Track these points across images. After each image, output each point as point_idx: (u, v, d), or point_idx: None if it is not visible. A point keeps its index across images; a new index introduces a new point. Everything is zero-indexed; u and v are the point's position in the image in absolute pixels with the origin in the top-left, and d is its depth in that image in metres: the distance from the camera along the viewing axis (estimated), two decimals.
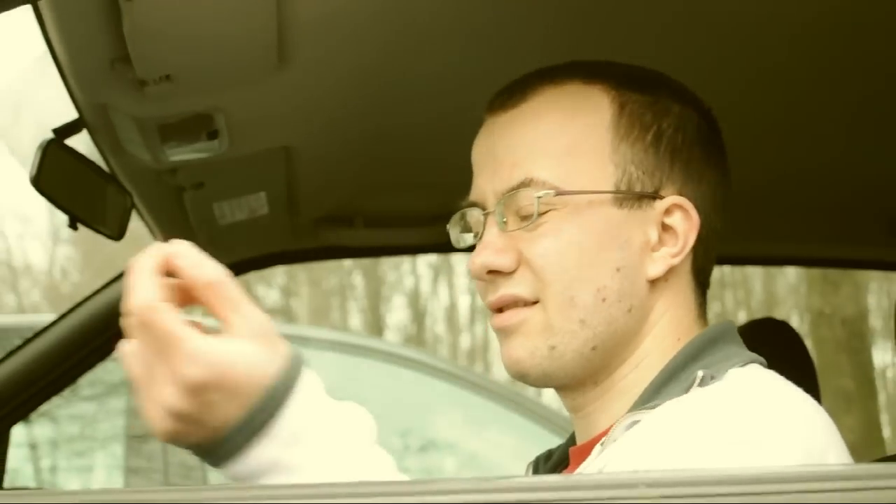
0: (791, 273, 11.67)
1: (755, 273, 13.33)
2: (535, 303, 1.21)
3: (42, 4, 1.39)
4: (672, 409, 1.13)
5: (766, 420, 1.10)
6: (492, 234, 1.23)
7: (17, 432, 2.95)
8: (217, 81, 1.61)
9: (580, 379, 1.23)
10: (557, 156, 1.22)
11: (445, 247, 2.49)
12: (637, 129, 1.24)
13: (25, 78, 1.80)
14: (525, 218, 1.22)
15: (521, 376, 1.24)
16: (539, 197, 1.20)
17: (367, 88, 1.68)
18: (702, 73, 1.31)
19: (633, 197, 1.23)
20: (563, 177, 1.21)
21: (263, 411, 0.96)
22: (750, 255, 2.43)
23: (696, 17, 1.50)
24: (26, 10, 1.37)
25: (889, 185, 1.89)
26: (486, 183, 1.25)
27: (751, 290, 14.59)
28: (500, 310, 1.23)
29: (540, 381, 1.25)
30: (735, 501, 0.87)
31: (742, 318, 13.27)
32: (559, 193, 1.20)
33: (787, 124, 1.74)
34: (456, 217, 1.31)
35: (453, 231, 1.33)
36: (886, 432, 9.18)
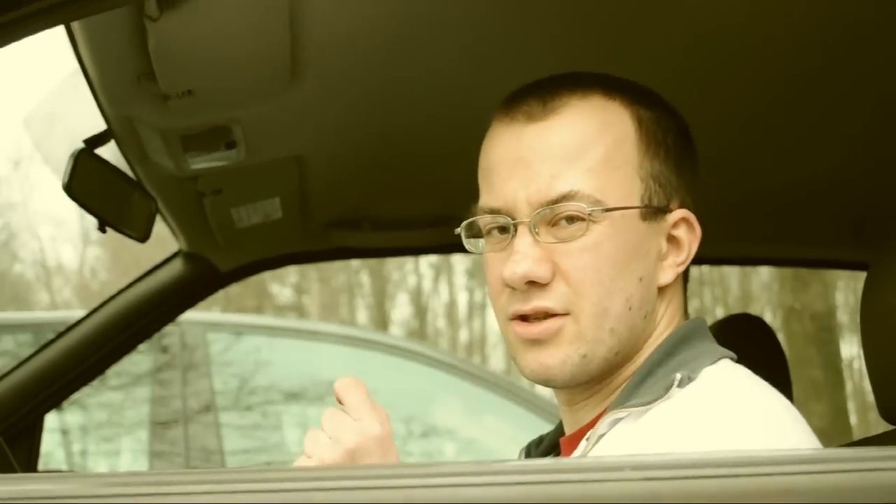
0: (764, 272, 11.70)
1: (731, 272, 13.37)
2: (566, 314, 1.16)
3: (74, 25, 1.39)
4: (658, 416, 1.12)
5: (740, 421, 1.10)
6: (526, 243, 1.17)
7: (50, 419, 2.95)
8: (235, 96, 1.61)
9: (596, 379, 1.20)
10: (596, 169, 1.17)
11: (445, 248, 2.51)
12: (653, 144, 1.22)
13: (58, 92, 1.80)
14: (562, 228, 1.17)
15: (546, 381, 1.20)
16: (591, 212, 1.15)
17: (373, 102, 1.67)
18: (688, 89, 1.30)
19: (653, 211, 1.20)
20: (603, 190, 1.17)
21: None
22: (727, 256, 2.43)
23: (677, 33, 1.49)
24: (59, 30, 1.37)
25: (853, 193, 1.89)
26: (518, 191, 1.18)
27: (727, 287, 14.63)
28: (524, 318, 1.18)
29: (562, 385, 1.21)
30: (712, 483, 0.86)
31: (720, 313, 13.30)
32: (606, 210, 1.16)
33: (763, 138, 1.73)
34: (467, 223, 1.24)
35: (466, 235, 1.25)
36: (853, 419, 9.20)
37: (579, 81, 1.22)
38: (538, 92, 1.21)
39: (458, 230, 1.25)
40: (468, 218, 1.24)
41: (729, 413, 1.11)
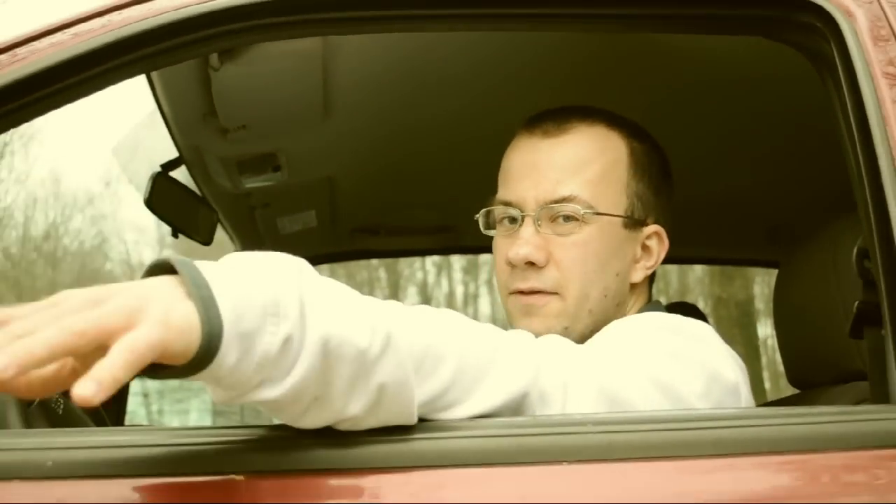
0: (698, 269, 11.68)
1: (672, 269, 13.35)
2: (554, 293, 1.16)
3: (154, 74, 1.39)
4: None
5: (691, 324, 1.10)
6: (529, 231, 1.16)
7: (134, 384, 2.94)
8: (279, 129, 1.61)
9: None
10: (593, 181, 1.17)
11: (446, 250, 2.50)
12: (640, 169, 1.21)
13: (140, 127, 1.79)
14: (559, 224, 1.16)
15: None
16: (584, 214, 1.15)
17: (389, 134, 1.67)
18: (657, 124, 1.30)
19: (633, 222, 1.20)
20: (596, 198, 1.17)
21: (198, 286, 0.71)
22: (669, 255, 2.42)
23: (640, 90, 1.49)
24: (141, 78, 1.37)
25: (766, 206, 1.89)
26: (529, 190, 1.17)
27: (669, 281, 14.61)
28: (521, 292, 1.17)
29: None
30: (657, 435, 0.85)
31: (663, 301, 13.23)
32: (597, 213, 1.16)
33: (697, 166, 1.73)
34: (485, 211, 1.22)
35: (483, 222, 1.23)
36: (767, 386, 9.18)
37: (588, 112, 1.22)
38: (555, 115, 1.21)
39: (476, 216, 1.23)
40: (468, 221, 1.24)
41: (677, 318, 1.12)
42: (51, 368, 0.70)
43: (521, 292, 1.17)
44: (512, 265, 1.16)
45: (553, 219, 1.16)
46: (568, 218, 1.16)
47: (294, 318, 0.73)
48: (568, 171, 1.17)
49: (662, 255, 1.23)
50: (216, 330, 0.69)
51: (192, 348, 0.69)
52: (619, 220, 1.18)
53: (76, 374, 0.69)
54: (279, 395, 0.74)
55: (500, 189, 1.21)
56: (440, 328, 0.86)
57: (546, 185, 1.16)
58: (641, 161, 1.21)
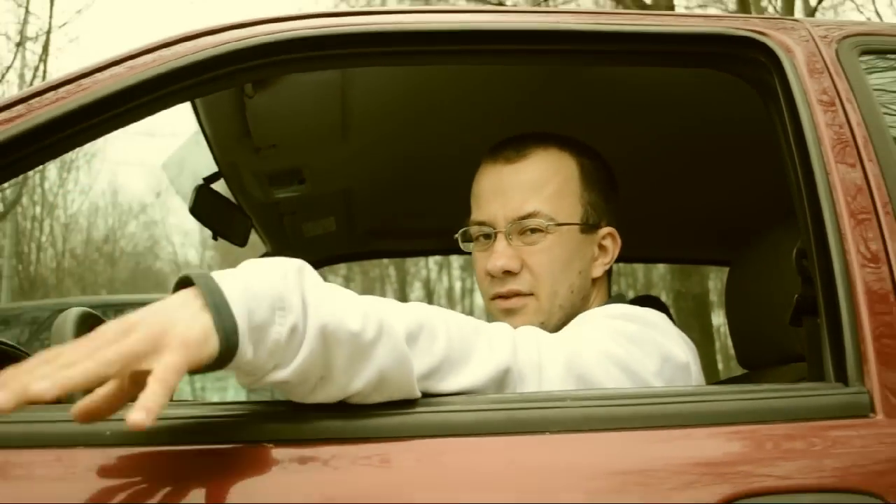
0: (661, 267, 11.68)
1: (639, 267, 13.34)
2: (530, 294, 1.16)
3: (197, 101, 1.39)
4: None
5: (646, 312, 1.10)
6: (502, 245, 1.16)
7: None
8: (304, 148, 1.60)
9: None
10: (552, 197, 1.17)
11: (447, 251, 2.50)
12: (590, 181, 1.21)
13: (185, 146, 1.79)
14: (527, 236, 1.16)
15: None
16: (547, 225, 1.15)
17: (398, 151, 1.67)
18: (612, 145, 1.30)
19: (589, 228, 1.19)
20: (555, 211, 1.16)
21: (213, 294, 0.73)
22: (636, 256, 2.42)
23: (605, 117, 1.49)
24: (186, 104, 1.37)
25: (718, 214, 1.88)
26: (498, 210, 1.17)
27: (637, 277, 14.61)
28: (503, 297, 1.16)
29: None
30: (626, 409, 0.86)
31: (631, 294, 13.22)
32: (557, 224, 1.16)
33: (660, 181, 1.73)
34: (463, 231, 1.23)
35: (461, 239, 1.23)
36: (720, 366, 9.16)
37: (542, 138, 1.22)
38: (513, 143, 1.21)
39: (455, 236, 1.24)
40: (462, 229, 1.24)
41: (636, 309, 1.11)
42: (108, 392, 0.73)
43: (502, 296, 1.16)
44: (491, 275, 1.16)
45: (521, 232, 1.16)
46: (534, 230, 1.15)
47: (297, 310, 0.76)
48: (530, 191, 1.16)
49: (616, 252, 1.22)
50: (230, 329, 0.72)
51: (213, 351, 0.72)
52: (577, 227, 1.18)
53: (129, 391, 0.73)
54: (289, 376, 0.76)
55: (474, 211, 1.21)
56: (429, 315, 0.88)
57: (513, 205, 1.16)
58: (591, 175, 1.21)
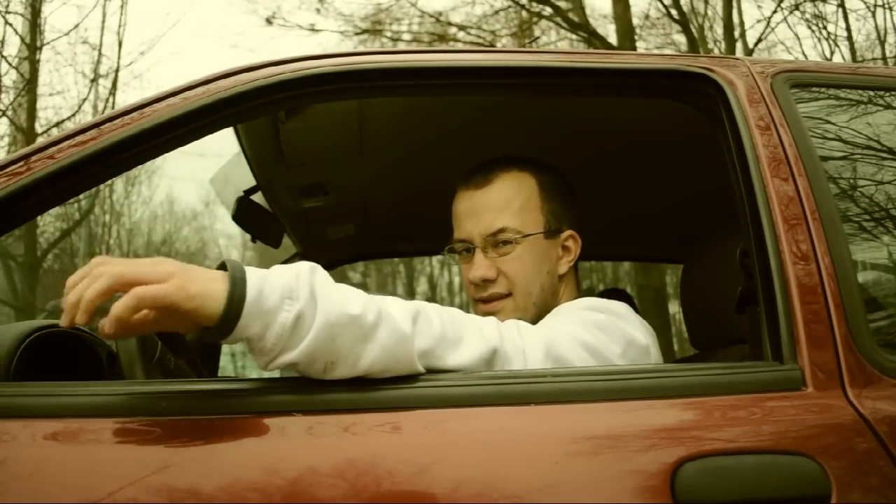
0: (626, 264, 11.66)
1: (608, 264, 13.33)
2: (508, 295, 1.15)
3: (239, 126, 1.39)
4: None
5: (611, 304, 1.08)
6: (480, 258, 1.16)
7: (225, 348, 2.92)
8: (328, 165, 1.60)
9: None
10: (517, 213, 1.16)
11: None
12: (549, 193, 1.20)
13: (229, 164, 1.79)
14: (500, 248, 1.16)
15: None
16: (515, 238, 1.15)
17: (407, 167, 1.66)
18: (573, 160, 1.29)
19: (552, 233, 1.19)
20: (522, 224, 1.16)
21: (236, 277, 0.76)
22: (605, 255, 2.42)
23: (571, 145, 1.48)
24: (230, 129, 1.37)
25: (674, 220, 1.87)
26: (473, 228, 1.17)
27: (606, 273, 14.59)
28: (485, 301, 1.16)
29: None
30: (599, 384, 0.85)
31: (601, 287, 13.22)
32: (524, 235, 1.15)
33: (624, 189, 1.73)
34: (448, 248, 1.23)
35: (447, 252, 1.24)
36: (676, 348, 9.12)
37: (505, 161, 1.21)
38: (481, 170, 1.20)
39: (443, 252, 1.23)
40: (447, 246, 1.23)
41: (604, 301, 1.10)
42: (138, 317, 0.73)
43: (484, 301, 1.16)
44: (474, 284, 1.16)
45: (495, 245, 1.16)
46: (505, 242, 1.15)
47: (304, 300, 0.77)
48: (497, 211, 1.16)
49: (578, 250, 1.21)
50: (238, 298, 0.74)
51: (214, 312, 0.74)
52: (541, 234, 1.17)
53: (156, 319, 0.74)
54: (296, 358, 0.77)
55: (455, 231, 1.21)
56: (425, 305, 0.89)
57: (485, 224, 1.16)
58: (549, 188, 1.20)
